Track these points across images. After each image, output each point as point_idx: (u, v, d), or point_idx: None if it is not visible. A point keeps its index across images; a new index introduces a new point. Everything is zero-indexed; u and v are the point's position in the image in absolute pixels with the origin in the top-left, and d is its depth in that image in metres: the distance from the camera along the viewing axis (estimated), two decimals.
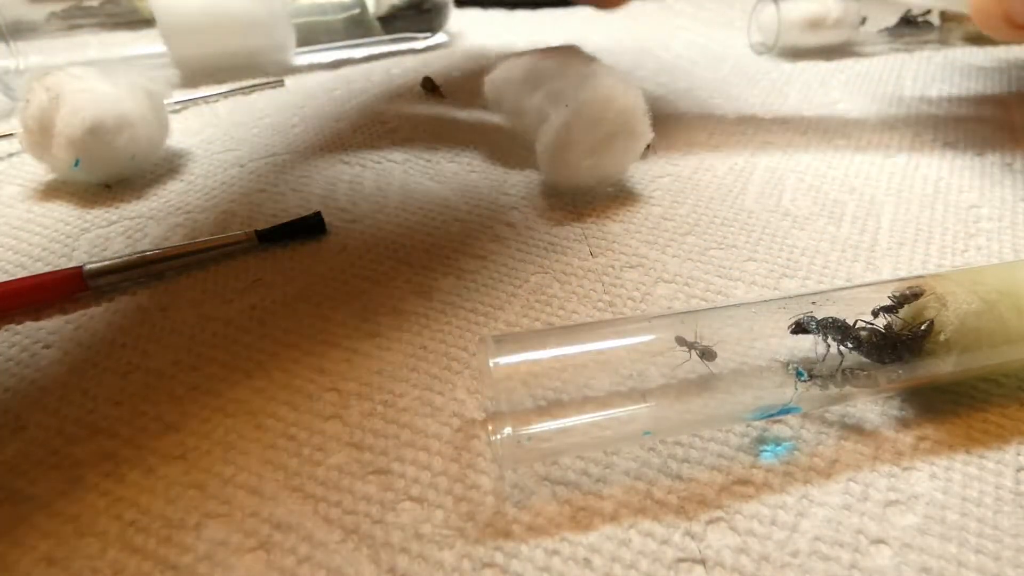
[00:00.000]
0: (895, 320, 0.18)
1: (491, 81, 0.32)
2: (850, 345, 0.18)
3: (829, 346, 0.18)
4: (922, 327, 0.18)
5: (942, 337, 0.18)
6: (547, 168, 0.28)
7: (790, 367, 0.17)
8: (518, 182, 0.30)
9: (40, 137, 0.28)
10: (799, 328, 0.18)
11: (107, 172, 0.29)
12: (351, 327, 0.22)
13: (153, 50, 0.39)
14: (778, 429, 0.19)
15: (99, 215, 0.28)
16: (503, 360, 0.16)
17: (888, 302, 0.18)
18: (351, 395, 0.20)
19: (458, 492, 0.17)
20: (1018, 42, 0.30)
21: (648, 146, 0.28)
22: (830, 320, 0.18)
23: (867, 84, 0.40)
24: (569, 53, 0.30)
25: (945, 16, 0.44)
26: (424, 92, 0.38)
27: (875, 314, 0.18)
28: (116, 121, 0.28)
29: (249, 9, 0.39)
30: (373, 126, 0.35)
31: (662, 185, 0.30)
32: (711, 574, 0.16)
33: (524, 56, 0.31)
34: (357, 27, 0.43)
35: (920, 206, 0.28)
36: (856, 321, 0.18)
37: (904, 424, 0.19)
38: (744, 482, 0.18)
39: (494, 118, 0.34)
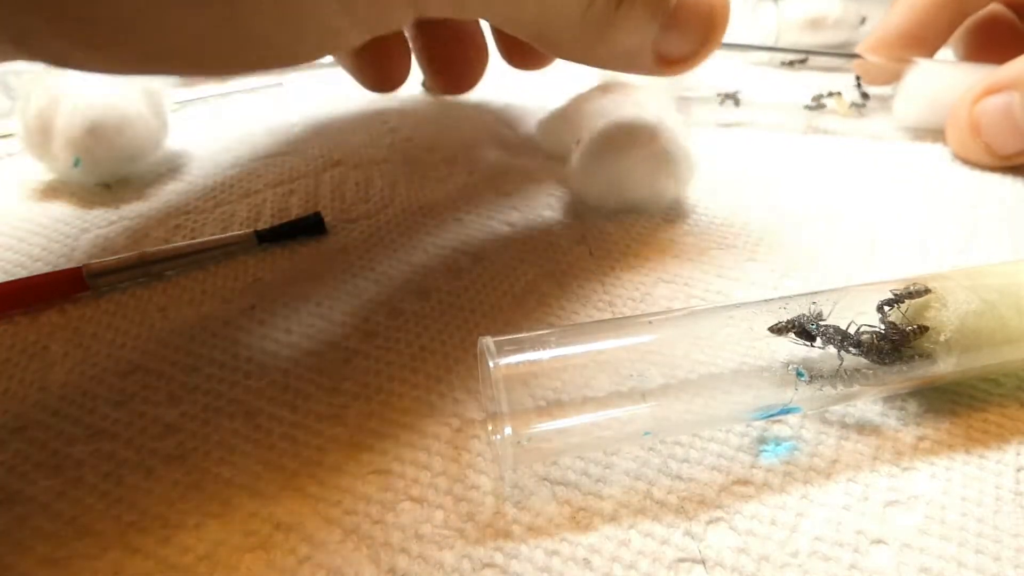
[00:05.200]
0: (897, 314, 0.18)
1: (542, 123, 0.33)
2: (853, 350, 0.18)
3: (834, 344, 0.18)
4: (915, 327, 0.18)
5: (942, 337, 0.18)
6: (577, 186, 0.28)
7: (790, 367, 0.17)
8: (518, 182, 0.30)
9: (40, 137, 0.28)
10: (803, 332, 0.17)
11: (107, 172, 0.29)
12: (351, 327, 0.22)
13: None
14: (778, 429, 0.19)
15: (99, 215, 0.28)
16: (503, 360, 0.16)
17: (890, 295, 0.18)
18: (351, 395, 0.20)
19: (458, 492, 0.17)
20: (997, 166, 0.31)
21: None
22: (831, 328, 0.18)
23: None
24: (615, 89, 0.30)
25: None
26: (425, 91, 0.38)
27: (880, 310, 0.18)
28: (116, 121, 0.28)
29: None
30: (373, 126, 0.35)
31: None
32: (711, 574, 0.16)
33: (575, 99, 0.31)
34: None
35: (920, 206, 0.28)
36: (861, 327, 0.18)
37: (904, 424, 0.19)
38: (744, 482, 0.18)
39: (494, 116, 0.34)
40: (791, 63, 0.39)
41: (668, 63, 0.22)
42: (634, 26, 0.20)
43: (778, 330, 0.17)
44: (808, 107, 0.35)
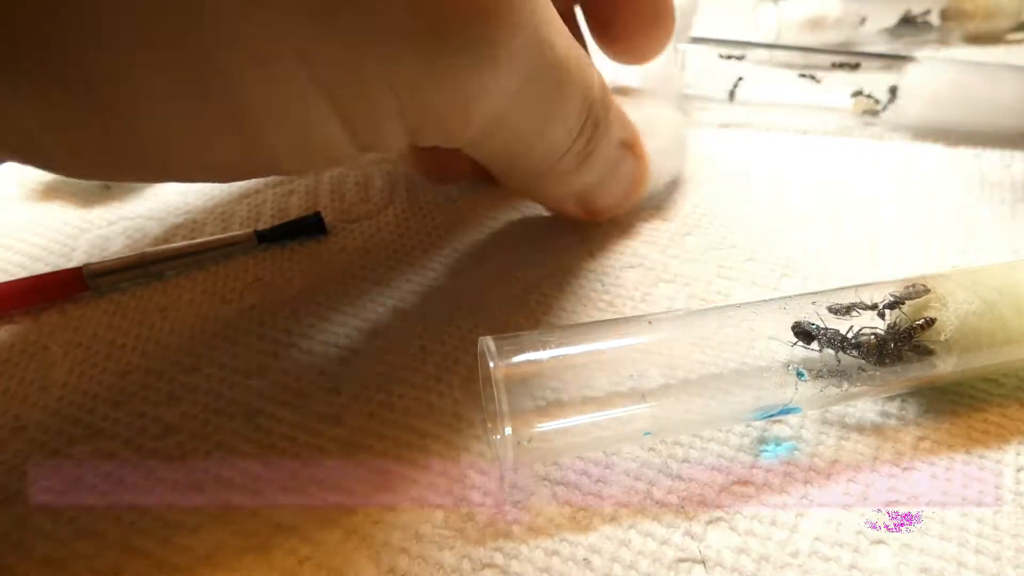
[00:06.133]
0: (899, 315, 0.18)
1: None
2: (854, 353, 0.18)
3: (833, 347, 0.18)
4: (920, 321, 0.18)
5: (942, 337, 0.18)
6: None
7: (790, 367, 0.17)
8: None
9: None
10: (803, 334, 0.17)
11: None
12: (351, 327, 0.22)
13: None
14: (778, 429, 0.19)
15: (99, 215, 0.28)
16: (502, 361, 0.16)
17: (890, 299, 0.18)
18: (351, 395, 0.20)
19: (458, 492, 0.17)
20: None
21: None
22: (832, 331, 0.18)
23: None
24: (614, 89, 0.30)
25: (945, 16, 0.44)
26: None
27: (880, 314, 0.18)
28: None
29: None
30: None
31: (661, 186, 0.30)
32: (711, 574, 0.16)
33: None
34: None
35: (920, 206, 0.28)
36: (861, 328, 0.18)
37: (904, 424, 0.19)
38: (744, 482, 0.18)
39: None
40: (841, 65, 0.39)
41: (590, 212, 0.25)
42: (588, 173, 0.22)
43: (837, 311, 0.18)
44: (854, 95, 0.35)
